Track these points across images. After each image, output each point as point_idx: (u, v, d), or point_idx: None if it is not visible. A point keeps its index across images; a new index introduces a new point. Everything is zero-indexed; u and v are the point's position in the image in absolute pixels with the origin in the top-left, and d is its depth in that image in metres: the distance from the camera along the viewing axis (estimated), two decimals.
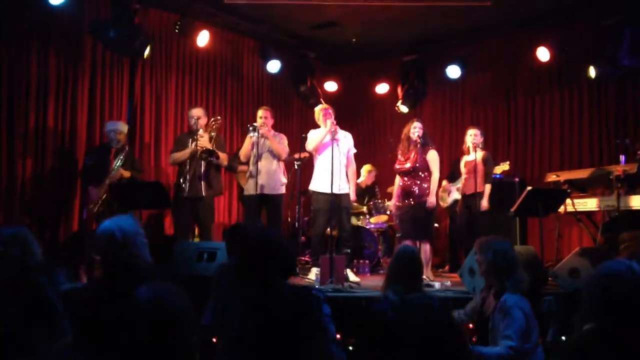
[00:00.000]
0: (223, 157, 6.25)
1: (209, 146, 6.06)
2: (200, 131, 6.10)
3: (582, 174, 6.90)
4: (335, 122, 6.00)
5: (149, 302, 1.85)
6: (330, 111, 6.14)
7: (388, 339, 2.10)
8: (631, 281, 2.06)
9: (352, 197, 6.28)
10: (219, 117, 6.36)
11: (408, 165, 6.03)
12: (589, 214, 6.79)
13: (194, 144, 6.13)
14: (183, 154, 6.15)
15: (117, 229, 2.63)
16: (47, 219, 6.27)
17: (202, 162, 6.14)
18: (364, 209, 7.78)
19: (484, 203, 6.23)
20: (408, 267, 3.27)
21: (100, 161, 6.08)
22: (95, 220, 6.02)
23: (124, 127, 6.35)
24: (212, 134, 6.19)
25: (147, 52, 6.76)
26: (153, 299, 1.86)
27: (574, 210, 6.52)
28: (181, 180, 6.16)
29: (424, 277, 5.73)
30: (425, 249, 5.97)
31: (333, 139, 5.89)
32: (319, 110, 6.25)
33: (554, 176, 6.91)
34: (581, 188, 6.84)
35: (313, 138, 6.13)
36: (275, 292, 2.35)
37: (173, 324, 1.83)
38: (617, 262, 2.17)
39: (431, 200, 5.96)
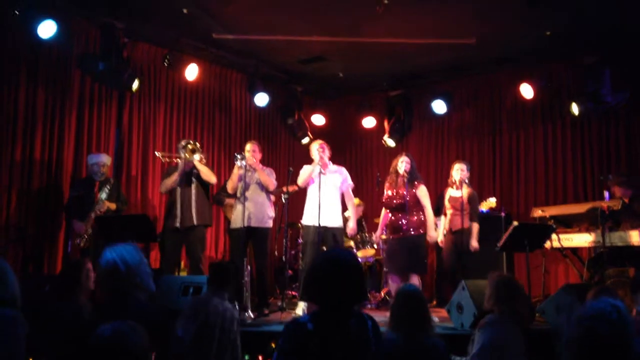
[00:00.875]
0: (208, 172, 6.26)
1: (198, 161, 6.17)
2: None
3: (568, 209, 6.96)
4: (323, 157, 6.07)
5: (108, 340, 1.92)
6: (325, 146, 6.21)
7: None
8: (616, 321, 2.06)
9: (354, 227, 6.33)
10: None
11: (397, 201, 6.00)
12: (574, 250, 6.84)
13: (183, 156, 6.14)
14: (173, 176, 6.16)
15: (120, 261, 2.61)
16: (31, 251, 6.17)
17: (194, 189, 6.14)
18: (351, 242, 7.77)
19: (474, 243, 6.16)
20: (409, 307, 3.19)
21: (85, 194, 6.04)
22: (81, 253, 5.98)
23: (107, 160, 6.33)
24: (202, 155, 6.30)
25: (135, 85, 6.79)
26: (112, 336, 1.92)
27: (560, 246, 6.57)
28: (172, 210, 6.16)
29: None
30: (414, 282, 5.93)
31: (320, 172, 5.96)
32: (314, 145, 6.28)
33: (540, 211, 6.96)
34: (567, 224, 6.90)
35: (303, 173, 6.18)
36: (342, 318, 2.39)
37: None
38: (602, 302, 2.16)
39: (431, 234, 5.90)
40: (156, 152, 6.75)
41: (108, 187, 6.10)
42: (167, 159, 6.44)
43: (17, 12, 5.87)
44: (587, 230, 6.51)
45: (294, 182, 6.32)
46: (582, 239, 6.53)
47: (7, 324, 2.82)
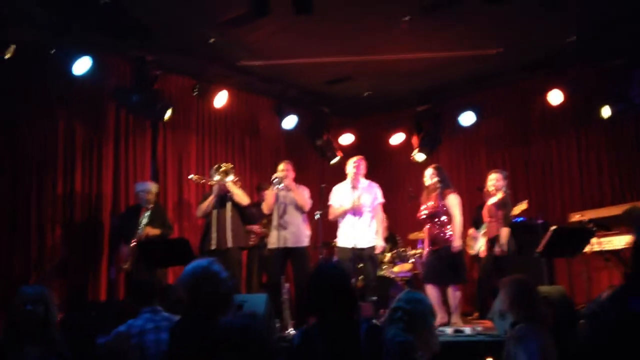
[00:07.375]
0: (242, 194, 6.37)
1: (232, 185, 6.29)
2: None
3: (606, 212, 6.86)
4: (357, 174, 6.27)
5: (237, 329, 2.14)
6: (361, 162, 6.37)
7: None
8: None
9: (382, 243, 6.36)
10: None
11: (428, 211, 6.06)
12: (616, 253, 6.70)
13: (217, 178, 6.27)
14: (208, 200, 6.33)
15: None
16: (75, 280, 6.33)
17: (229, 212, 6.25)
18: (388, 257, 7.73)
19: (501, 248, 6.07)
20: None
21: (131, 221, 6.20)
22: (126, 278, 6.15)
23: (152, 187, 6.47)
24: (237, 178, 6.44)
25: (167, 115, 6.97)
26: (239, 325, 2.15)
27: (600, 249, 6.45)
28: (208, 232, 6.27)
29: (453, 322, 5.68)
30: (455, 294, 5.92)
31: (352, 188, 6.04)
32: (350, 161, 6.45)
33: (578, 216, 6.86)
34: (606, 227, 6.77)
35: (334, 211, 6.33)
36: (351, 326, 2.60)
37: (256, 345, 2.11)
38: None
39: (456, 244, 5.91)
40: (190, 176, 6.88)
41: (149, 213, 6.20)
42: (202, 182, 6.63)
43: (52, 52, 6.09)
44: (628, 232, 6.39)
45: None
46: (623, 241, 6.40)
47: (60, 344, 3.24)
